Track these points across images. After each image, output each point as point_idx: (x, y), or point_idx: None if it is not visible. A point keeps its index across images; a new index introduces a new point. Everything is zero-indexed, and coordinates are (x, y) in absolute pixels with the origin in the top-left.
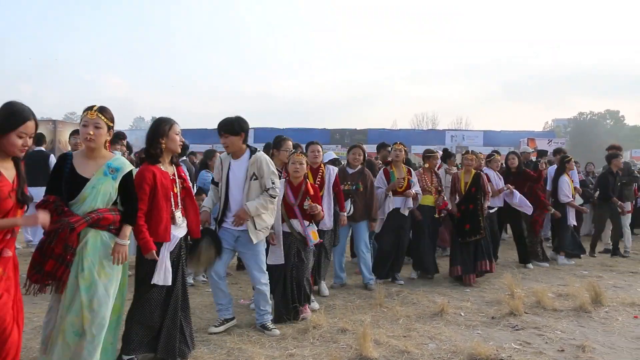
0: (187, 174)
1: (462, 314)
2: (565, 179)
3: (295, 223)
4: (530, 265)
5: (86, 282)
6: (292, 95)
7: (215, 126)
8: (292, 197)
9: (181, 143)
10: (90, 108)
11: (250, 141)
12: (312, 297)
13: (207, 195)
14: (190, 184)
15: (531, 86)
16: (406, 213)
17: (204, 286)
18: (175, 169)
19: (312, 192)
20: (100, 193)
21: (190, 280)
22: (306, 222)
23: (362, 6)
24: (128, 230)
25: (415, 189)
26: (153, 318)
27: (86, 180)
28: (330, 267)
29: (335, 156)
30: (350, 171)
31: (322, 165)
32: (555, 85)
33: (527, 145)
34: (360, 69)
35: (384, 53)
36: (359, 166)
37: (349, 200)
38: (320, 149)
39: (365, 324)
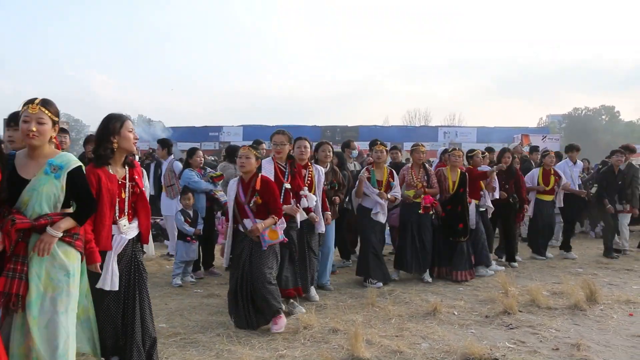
0: (145, 174)
1: (456, 313)
2: (537, 171)
3: (248, 223)
4: (515, 264)
5: (29, 297)
6: (286, 93)
7: (203, 124)
8: (242, 195)
9: (135, 140)
10: (31, 101)
11: (239, 139)
12: (296, 303)
13: (192, 195)
14: (145, 187)
15: (525, 83)
16: (376, 218)
17: (193, 287)
18: (127, 171)
19: (258, 186)
20: (44, 195)
21: (178, 281)
22: (259, 221)
23: (360, 5)
24: (65, 223)
25: (394, 192)
26: (115, 326)
27: (26, 181)
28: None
29: None
30: (324, 170)
31: (309, 164)
32: (549, 81)
33: (521, 141)
34: (353, 67)
35: (377, 51)
36: (328, 163)
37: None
38: (308, 145)
39: (357, 323)
